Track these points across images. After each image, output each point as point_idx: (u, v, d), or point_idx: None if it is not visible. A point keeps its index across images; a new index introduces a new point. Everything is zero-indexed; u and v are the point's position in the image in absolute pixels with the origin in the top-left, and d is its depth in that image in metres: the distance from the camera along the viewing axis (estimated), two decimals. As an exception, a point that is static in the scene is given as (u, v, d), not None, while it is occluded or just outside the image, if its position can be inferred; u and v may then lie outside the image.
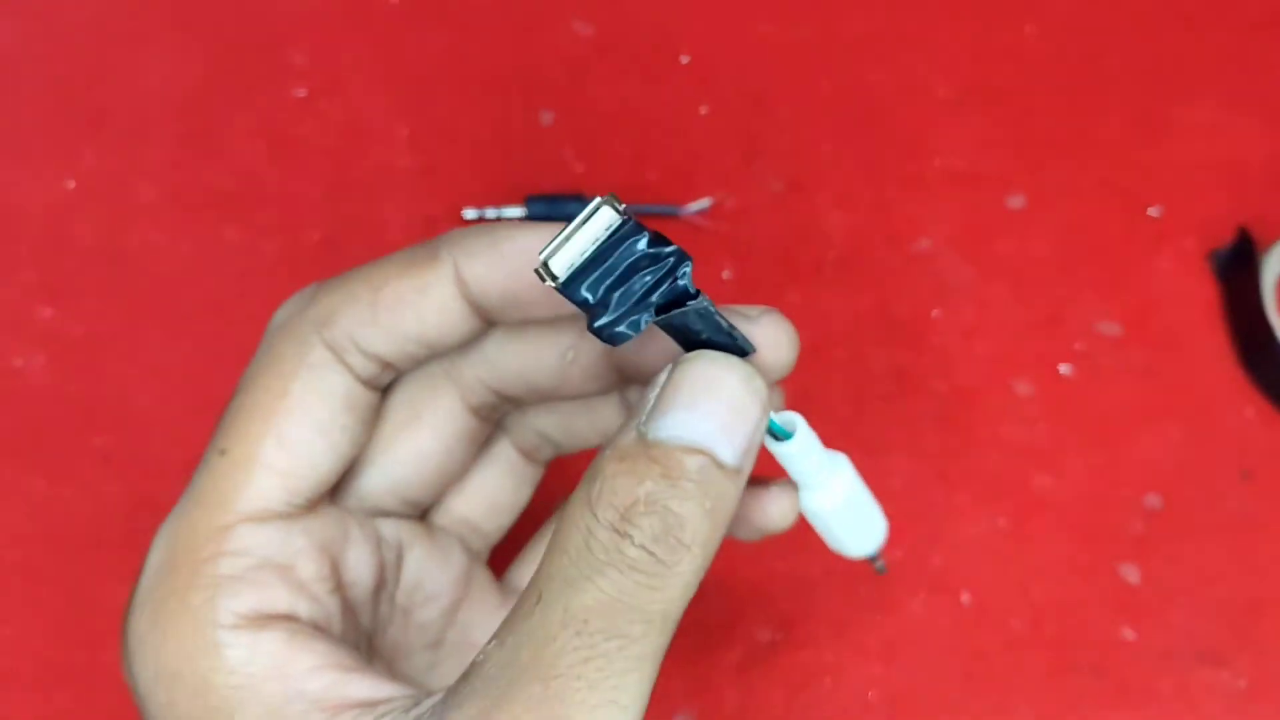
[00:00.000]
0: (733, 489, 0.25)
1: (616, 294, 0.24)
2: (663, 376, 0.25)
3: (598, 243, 0.24)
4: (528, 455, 0.33)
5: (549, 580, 0.24)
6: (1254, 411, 0.43)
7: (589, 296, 0.24)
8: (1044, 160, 0.46)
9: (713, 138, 0.46)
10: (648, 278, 0.25)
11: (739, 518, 0.30)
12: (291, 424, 0.27)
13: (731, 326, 0.26)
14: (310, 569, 0.28)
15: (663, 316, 0.25)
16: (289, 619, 0.26)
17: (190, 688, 0.25)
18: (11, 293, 0.44)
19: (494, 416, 0.32)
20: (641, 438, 0.24)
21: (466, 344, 0.30)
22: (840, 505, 0.32)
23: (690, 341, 0.26)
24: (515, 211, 0.44)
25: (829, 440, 0.43)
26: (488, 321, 0.29)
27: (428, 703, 0.25)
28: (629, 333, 0.24)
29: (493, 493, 0.33)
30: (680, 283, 0.25)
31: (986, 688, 0.40)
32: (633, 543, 0.23)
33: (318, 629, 0.27)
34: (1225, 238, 0.44)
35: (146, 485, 0.41)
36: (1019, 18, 0.47)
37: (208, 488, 0.27)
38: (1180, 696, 0.40)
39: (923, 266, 0.44)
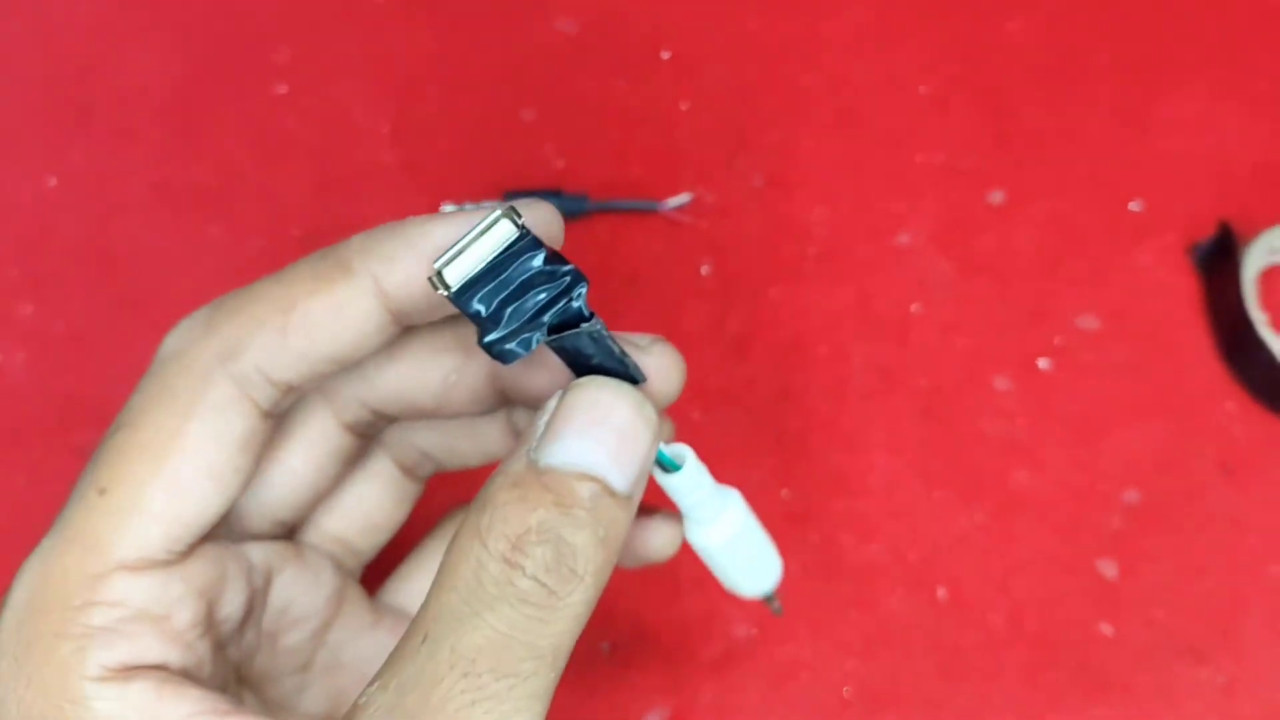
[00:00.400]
0: (624, 517, 0.24)
1: (509, 309, 0.24)
2: (553, 402, 0.25)
3: (494, 255, 0.24)
4: (407, 471, 0.32)
5: (436, 618, 0.23)
6: (1234, 406, 0.43)
7: (481, 309, 0.24)
8: (1024, 155, 0.46)
9: (694, 133, 0.46)
10: (541, 296, 0.24)
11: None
12: (183, 468, 0.26)
13: (623, 353, 0.26)
14: (185, 617, 0.26)
15: (555, 337, 0.25)
16: (159, 669, 0.25)
17: None
18: (-7, 290, 0.45)
19: (370, 433, 0.31)
20: (533, 465, 0.24)
21: (380, 350, 0.28)
22: (728, 541, 0.31)
23: (581, 366, 0.26)
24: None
25: (816, 434, 0.43)
26: (403, 327, 0.28)
27: None
28: (520, 351, 0.24)
29: (369, 510, 0.32)
30: (575, 304, 0.24)
31: (965, 684, 0.40)
32: (524, 574, 0.23)
33: (188, 675, 0.26)
34: (1206, 232, 0.44)
35: (126, 482, 0.41)
36: (1000, 14, 0.47)
37: (84, 528, 0.25)
38: (1160, 693, 0.40)
39: (903, 262, 0.44)
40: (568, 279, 0.24)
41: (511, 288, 0.24)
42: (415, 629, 0.23)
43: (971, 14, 0.47)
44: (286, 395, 0.27)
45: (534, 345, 0.24)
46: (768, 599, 0.34)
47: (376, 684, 0.23)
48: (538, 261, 0.24)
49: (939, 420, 0.43)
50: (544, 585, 0.23)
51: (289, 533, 0.31)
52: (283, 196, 0.46)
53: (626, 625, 0.41)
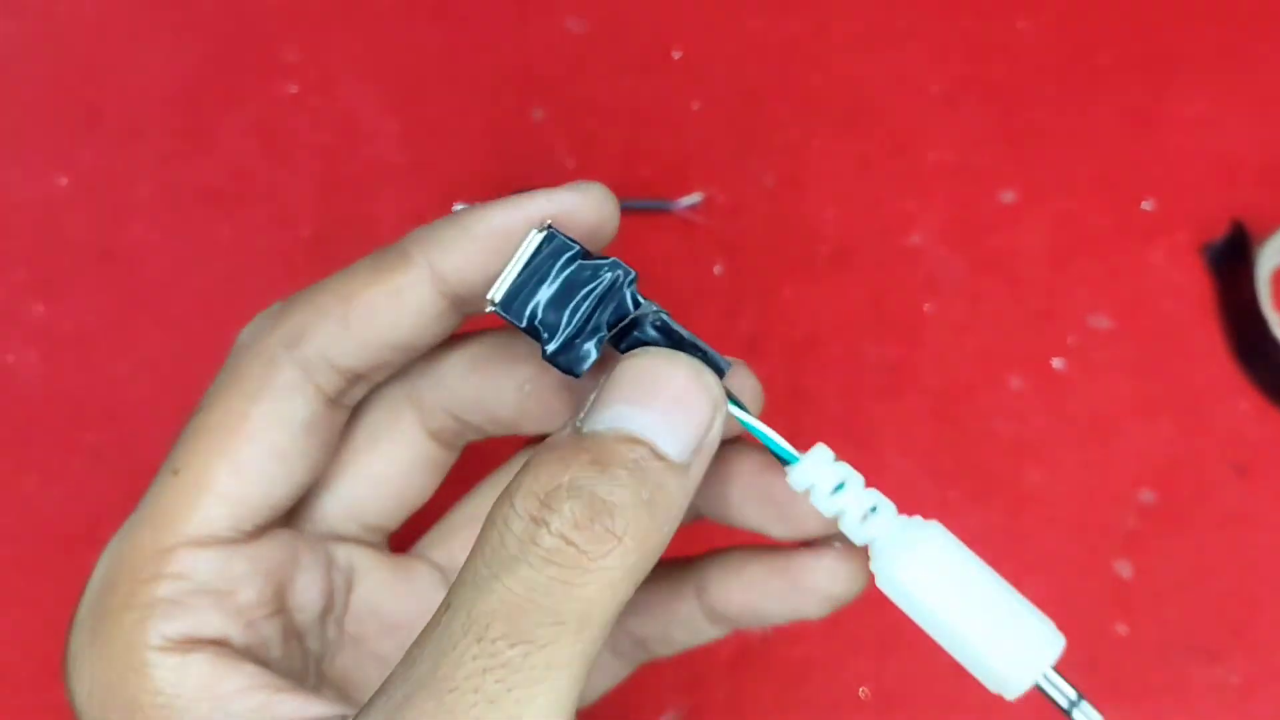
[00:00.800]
0: (676, 484, 0.23)
1: (564, 314, 0.24)
2: (608, 374, 0.24)
3: (527, 260, 0.24)
4: None
5: (460, 585, 0.22)
6: (1248, 406, 0.43)
7: (531, 317, 0.24)
8: (1036, 154, 0.45)
9: (705, 133, 0.46)
10: (591, 295, 0.24)
11: (785, 582, 0.29)
12: (248, 449, 0.27)
13: (698, 339, 0.25)
14: (250, 595, 0.27)
15: (615, 333, 0.24)
16: (219, 643, 0.26)
17: (121, 706, 0.25)
18: (3, 289, 0.44)
19: (458, 443, 0.30)
20: (576, 431, 0.23)
21: (444, 338, 0.29)
22: (919, 578, 0.25)
23: None
24: (506, 207, 0.44)
25: (829, 433, 0.43)
26: (464, 315, 0.28)
27: None
28: (584, 360, 0.24)
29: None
30: (626, 297, 0.24)
31: (978, 684, 0.40)
32: (549, 530, 0.22)
33: (251, 654, 0.27)
34: (1219, 231, 0.44)
35: (138, 482, 0.41)
36: (1011, 12, 0.47)
37: (156, 507, 0.27)
38: (1174, 692, 0.40)
39: (915, 261, 0.44)
40: (609, 273, 0.24)
41: (558, 292, 0.24)
42: (444, 600, 0.22)
43: (981, 13, 0.47)
44: (353, 384, 0.28)
45: (596, 353, 0.24)
46: (1061, 701, 0.25)
47: (405, 657, 0.23)
48: (575, 259, 0.24)
49: (952, 420, 0.42)
50: (571, 543, 0.21)
51: (384, 540, 0.31)
52: (292, 196, 0.46)
53: (640, 625, 0.41)
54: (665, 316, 0.25)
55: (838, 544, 0.28)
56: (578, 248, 0.24)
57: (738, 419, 0.25)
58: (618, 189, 0.44)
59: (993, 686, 0.25)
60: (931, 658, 0.40)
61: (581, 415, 0.23)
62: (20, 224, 0.45)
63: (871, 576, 0.26)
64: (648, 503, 0.22)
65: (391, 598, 0.30)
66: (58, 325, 0.44)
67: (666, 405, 0.23)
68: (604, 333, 0.24)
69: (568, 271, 0.24)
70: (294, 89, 0.47)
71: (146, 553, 0.26)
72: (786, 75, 0.47)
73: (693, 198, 0.45)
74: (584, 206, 0.26)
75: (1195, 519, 0.42)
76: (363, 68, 0.47)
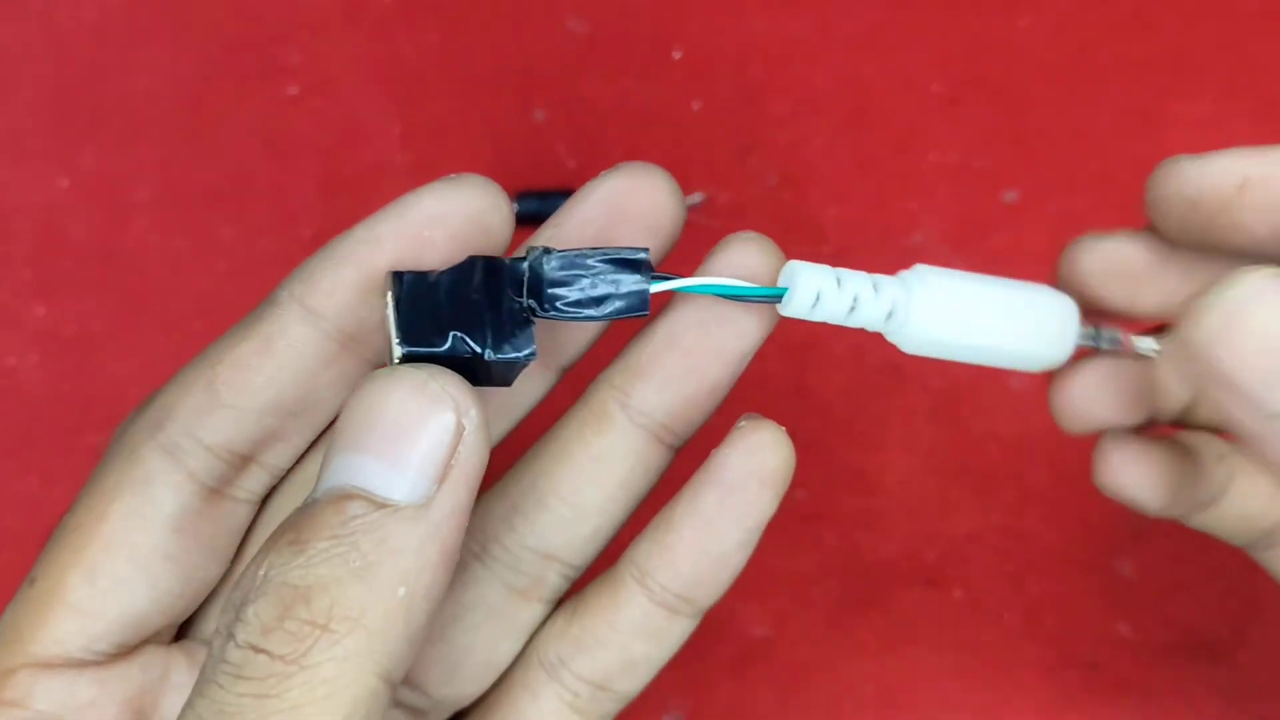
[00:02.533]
0: (408, 529, 0.20)
1: (472, 322, 0.22)
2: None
3: (394, 301, 0.22)
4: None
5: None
6: (1251, 405, 0.43)
7: (444, 343, 0.22)
8: (1038, 154, 0.45)
9: (706, 133, 0.46)
10: (479, 292, 0.23)
11: (719, 502, 0.25)
12: (104, 556, 0.23)
13: (598, 251, 0.24)
14: (106, 712, 0.23)
15: (530, 300, 0.23)
16: None
17: None
18: (4, 291, 0.44)
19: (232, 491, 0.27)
20: (301, 507, 0.20)
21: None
22: (946, 321, 0.25)
23: (590, 298, 0.24)
24: (507, 208, 0.44)
25: (832, 433, 0.43)
26: (369, 358, 0.25)
27: None
28: (514, 361, 0.22)
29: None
30: (502, 263, 0.23)
31: (981, 683, 0.40)
32: (235, 643, 0.19)
33: None
34: (1221, 230, 0.44)
35: (139, 483, 0.41)
36: (1013, 12, 0.47)
37: (8, 622, 0.24)
38: (1177, 692, 0.40)
39: (917, 260, 0.44)
40: (475, 266, 0.23)
41: (451, 309, 0.22)
42: None
43: (983, 12, 0.47)
44: (240, 468, 0.25)
45: (529, 341, 0.23)
46: (1089, 343, 0.26)
47: None
48: (439, 278, 0.23)
49: (954, 419, 0.42)
50: (261, 650, 0.19)
51: None
52: (294, 197, 0.46)
53: (642, 626, 0.41)
54: (553, 250, 0.23)
55: (742, 422, 0.26)
56: (426, 273, 0.23)
57: (702, 290, 0.25)
58: (619, 189, 0.45)
59: (1039, 369, 0.27)
60: (933, 658, 0.40)
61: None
62: (21, 226, 0.45)
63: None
64: (360, 570, 0.19)
65: None
66: (59, 327, 0.44)
67: (383, 439, 0.20)
68: (518, 307, 0.23)
69: (442, 290, 0.23)
70: (295, 90, 0.47)
71: None
72: (788, 75, 0.47)
73: (694, 198, 0.45)
74: (454, 208, 0.24)
75: (1198, 518, 0.42)
76: (364, 69, 0.47)
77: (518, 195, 0.44)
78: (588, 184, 0.25)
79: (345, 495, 0.20)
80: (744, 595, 0.41)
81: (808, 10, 0.47)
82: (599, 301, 0.24)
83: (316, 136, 0.46)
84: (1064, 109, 0.46)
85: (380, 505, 0.20)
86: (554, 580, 0.27)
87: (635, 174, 0.25)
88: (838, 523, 0.42)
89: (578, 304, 0.24)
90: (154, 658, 0.25)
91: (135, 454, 0.24)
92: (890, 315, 0.25)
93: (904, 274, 0.26)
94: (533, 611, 0.27)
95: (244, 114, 0.47)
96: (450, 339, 0.22)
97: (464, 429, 0.21)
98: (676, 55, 0.47)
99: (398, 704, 0.27)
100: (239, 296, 0.44)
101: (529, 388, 0.27)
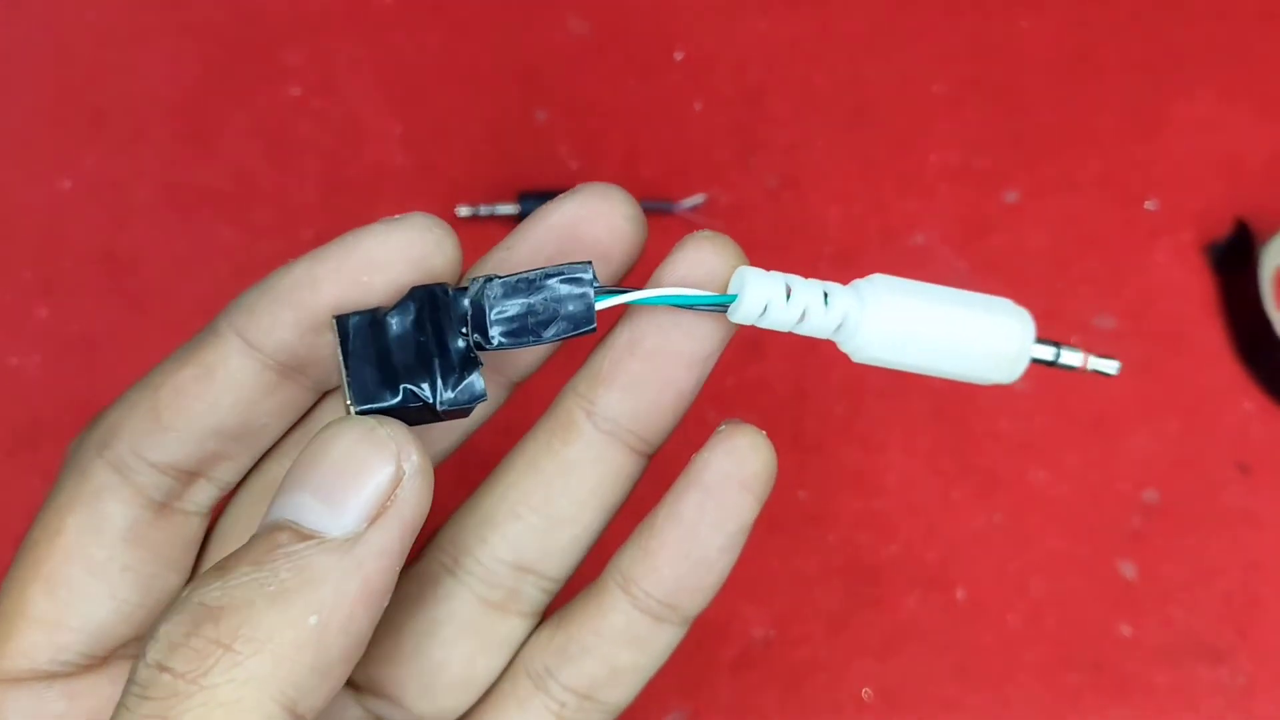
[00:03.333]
0: (331, 561, 0.20)
1: (422, 367, 0.22)
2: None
3: (343, 351, 0.22)
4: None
5: None
6: (1252, 405, 0.43)
7: (389, 397, 0.22)
8: (1039, 154, 0.45)
9: (707, 134, 0.46)
10: (427, 331, 0.23)
11: (704, 493, 0.25)
12: (64, 568, 0.24)
13: (541, 270, 0.23)
14: None
15: (475, 335, 0.23)
16: None
17: None
18: (7, 292, 0.44)
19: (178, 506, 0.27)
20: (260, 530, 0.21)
21: (294, 418, 0.26)
22: (898, 330, 0.24)
23: (536, 321, 0.23)
24: (509, 208, 0.44)
25: (833, 434, 0.43)
26: (310, 386, 0.25)
27: None
28: (470, 387, 0.22)
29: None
30: (444, 297, 0.23)
31: (983, 684, 0.40)
32: (145, 662, 0.19)
33: None
34: (1222, 230, 0.44)
35: (142, 484, 0.41)
36: (1014, 12, 0.47)
37: None
38: (1178, 693, 0.40)
39: (918, 261, 0.44)
40: (417, 301, 0.23)
41: (400, 354, 0.23)
42: None
43: (984, 13, 0.47)
44: (188, 483, 0.25)
45: (477, 382, 0.22)
46: (1048, 357, 0.25)
47: None
48: (384, 318, 0.23)
49: (956, 419, 0.42)
50: (165, 669, 0.19)
51: None
52: (295, 198, 0.46)
53: (644, 626, 0.41)
54: (495, 277, 0.23)
55: (722, 426, 0.26)
56: (369, 312, 0.23)
57: (649, 302, 0.24)
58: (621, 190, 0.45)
59: (993, 383, 0.25)
60: (935, 658, 0.40)
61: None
62: (24, 227, 0.45)
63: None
64: (274, 595, 0.19)
65: None
66: (61, 328, 0.44)
67: (323, 478, 0.21)
68: (464, 345, 0.23)
69: (389, 332, 0.23)
70: (297, 91, 0.47)
71: None
72: (789, 76, 0.47)
73: (696, 199, 0.45)
74: (396, 251, 0.23)
75: (1199, 518, 0.42)
76: (365, 70, 0.47)
77: (519, 196, 0.44)
78: (543, 207, 0.25)
79: (277, 527, 0.21)
80: (746, 596, 0.41)
81: (808, 12, 0.47)
82: (545, 324, 0.23)
83: (318, 137, 0.46)
84: (1064, 109, 0.46)
85: (306, 537, 0.20)
86: (530, 593, 0.27)
87: (591, 197, 0.25)
88: (839, 524, 0.42)
89: (522, 330, 0.23)
90: (123, 670, 0.25)
91: (85, 471, 0.25)
92: (841, 325, 0.24)
93: (859, 283, 0.25)
94: (510, 625, 0.27)
95: (245, 115, 0.47)
96: (401, 392, 0.22)
97: (404, 473, 0.21)
98: (678, 56, 0.47)
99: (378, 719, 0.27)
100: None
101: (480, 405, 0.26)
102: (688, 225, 0.44)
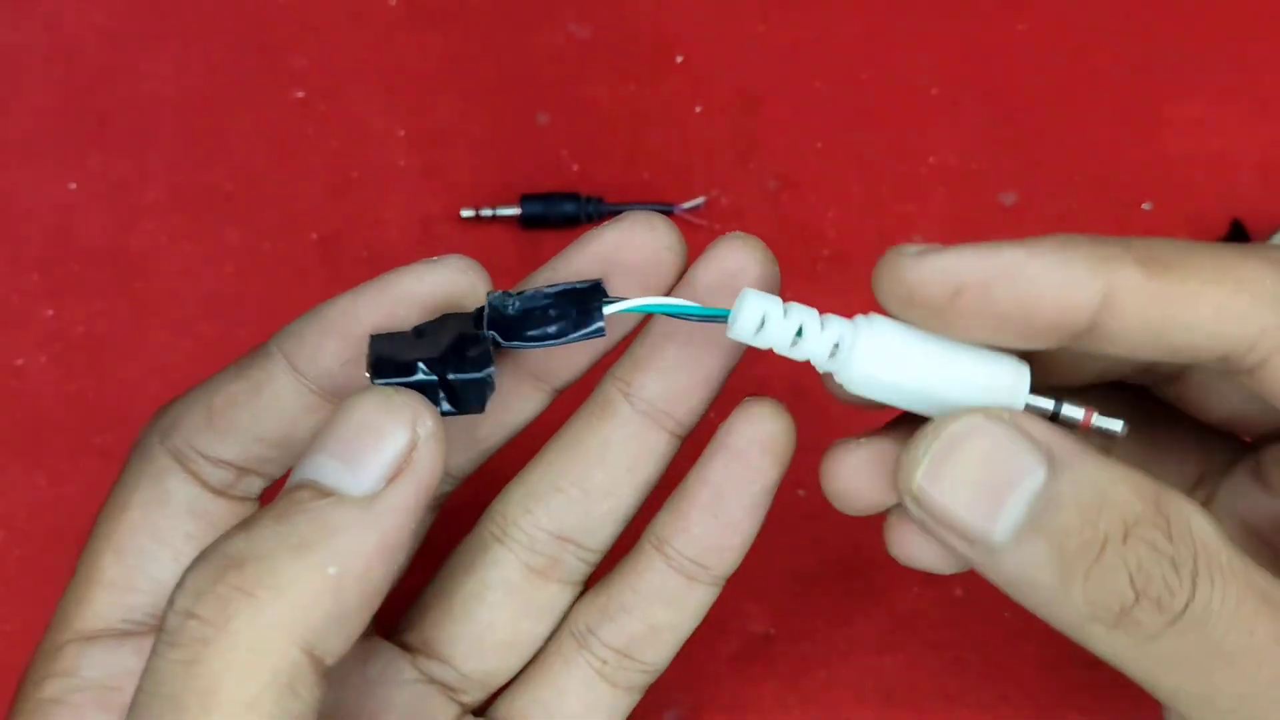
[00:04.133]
0: (350, 516, 0.22)
1: (430, 361, 0.25)
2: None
3: (370, 344, 0.25)
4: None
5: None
6: (1247, 404, 0.43)
7: (407, 373, 0.24)
8: (1036, 156, 0.46)
9: (707, 137, 0.46)
10: (444, 337, 0.25)
11: (732, 460, 0.28)
12: (129, 535, 0.26)
13: (554, 287, 0.26)
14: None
15: (497, 337, 0.25)
16: None
17: None
18: (14, 293, 0.45)
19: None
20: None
21: None
22: (894, 366, 0.25)
23: (547, 324, 0.26)
24: (511, 210, 0.44)
25: (833, 433, 0.43)
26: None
27: None
28: (480, 368, 0.25)
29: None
30: (474, 321, 0.26)
31: (981, 680, 0.40)
32: (173, 609, 0.21)
33: None
34: (1217, 231, 0.45)
35: (147, 483, 0.42)
36: (1010, 15, 0.48)
37: (59, 608, 0.27)
38: (1174, 688, 0.40)
39: (916, 262, 0.45)
40: (452, 323, 0.26)
41: (419, 349, 0.25)
42: None
43: (981, 16, 0.48)
44: (240, 476, 0.28)
45: (484, 373, 0.25)
46: (1047, 408, 0.25)
47: None
48: (416, 334, 0.26)
49: (953, 419, 0.43)
50: (193, 615, 0.21)
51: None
52: (300, 200, 0.46)
53: (644, 623, 0.41)
54: (510, 296, 0.26)
55: (745, 400, 0.28)
56: (408, 331, 0.26)
57: (651, 310, 0.26)
58: (620, 191, 0.45)
59: None
60: (933, 654, 0.40)
61: None
62: (30, 229, 0.46)
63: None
64: (295, 547, 0.21)
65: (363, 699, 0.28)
66: (67, 328, 0.44)
67: (343, 441, 0.23)
68: (479, 337, 0.25)
69: (411, 336, 0.26)
70: (301, 94, 0.47)
71: (41, 653, 0.27)
72: (788, 79, 0.47)
73: (695, 201, 0.45)
74: (431, 289, 0.26)
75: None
76: (370, 73, 0.47)
77: (521, 198, 0.44)
78: (589, 233, 0.27)
79: (300, 486, 0.23)
80: (746, 592, 0.41)
81: (807, 15, 0.48)
82: (555, 327, 0.26)
83: (322, 140, 0.47)
84: (1061, 112, 0.46)
85: (327, 494, 0.22)
86: (571, 561, 0.29)
87: (635, 226, 0.27)
88: (839, 522, 0.42)
89: (535, 333, 0.26)
90: None
91: (149, 454, 0.28)
92: (835, 351, 0.26)
93: (859, 317, 0.26)
94: (552, 592, 0.29)
95: (251, 117, 0.47)
96: (416, 369, 0.24)
97: (419, 438, 0.23)
98: (678, 60, 0.47)
99: (431, 680, 0.29)
100: (246, 298, 0.45)
101: (521, 406, 0.29)
102: (688, 227, 0.45)
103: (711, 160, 0.46)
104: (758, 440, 0.28)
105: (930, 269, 0.23)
